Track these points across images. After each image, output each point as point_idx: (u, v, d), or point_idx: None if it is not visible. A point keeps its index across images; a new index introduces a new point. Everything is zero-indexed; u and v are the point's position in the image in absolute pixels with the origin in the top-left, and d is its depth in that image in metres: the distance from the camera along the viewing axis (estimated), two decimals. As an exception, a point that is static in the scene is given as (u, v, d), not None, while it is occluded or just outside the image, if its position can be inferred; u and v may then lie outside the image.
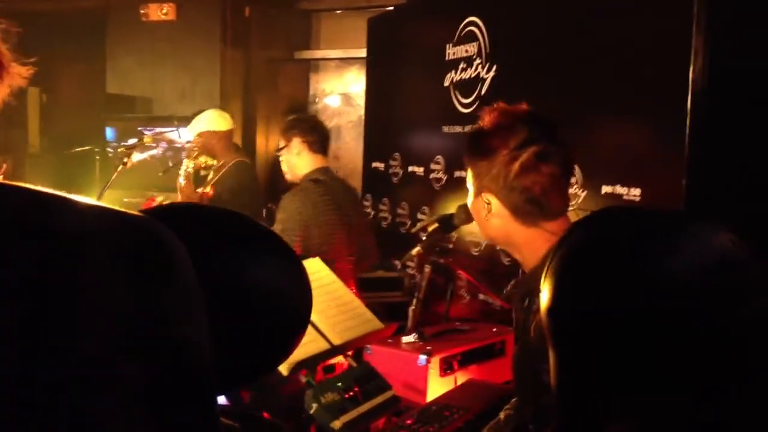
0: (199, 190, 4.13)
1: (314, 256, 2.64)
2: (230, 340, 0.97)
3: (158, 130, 5.04)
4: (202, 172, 4.44)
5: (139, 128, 4.78)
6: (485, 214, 1.74)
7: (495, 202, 1.71)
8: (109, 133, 6.12)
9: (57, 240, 0.70)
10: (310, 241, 3.42)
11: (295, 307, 1.04)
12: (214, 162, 4.29)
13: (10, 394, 0.66)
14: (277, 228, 3.37)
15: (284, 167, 3.70)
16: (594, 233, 0.95)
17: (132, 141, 4.93)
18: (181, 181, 4.05)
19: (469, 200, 1.81)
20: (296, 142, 3.63)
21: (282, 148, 3.67)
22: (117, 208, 0.77)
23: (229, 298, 0.96)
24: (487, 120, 1.74)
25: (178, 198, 4.03)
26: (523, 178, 1.66)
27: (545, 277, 0.95)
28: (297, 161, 3.65)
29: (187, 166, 4.11)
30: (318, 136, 3.67)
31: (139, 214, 0.79)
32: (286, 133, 3.66)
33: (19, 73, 0.81)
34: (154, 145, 4.76)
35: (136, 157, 4.28)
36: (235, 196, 4.14)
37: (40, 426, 0.66)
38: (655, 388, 0.86)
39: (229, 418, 1.05)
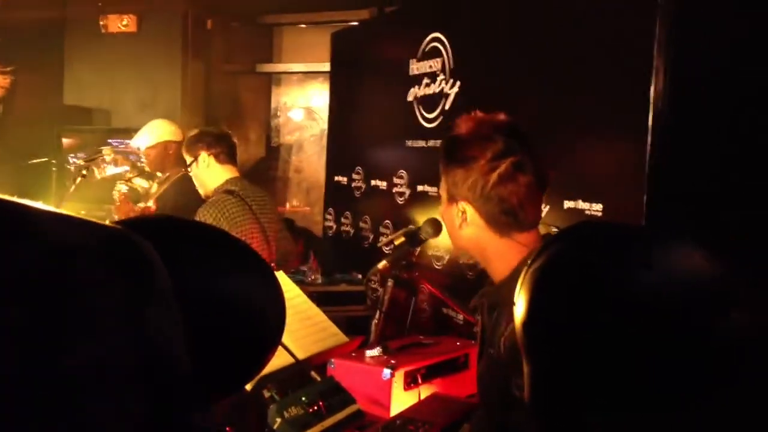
0: (141, 204, 4.05)
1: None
2: (203, 355, 0.95)
3: (127, 142, 4.96)
4: (141, 188, 4.35)
5: (110, 141, 4.72)
6: (459, 223, 1.73)
7: (470, 211, 1.71)
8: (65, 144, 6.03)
9: (37, 251, 0.69)
10: None
11: (268, 320, 1.02)
12: (148, 184, 4.23)
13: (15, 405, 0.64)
14: None
15: (195, 181, 3.65)
16: (570, 247, 0.95)
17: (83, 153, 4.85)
18: (116, 200, 3.98)
19: (442, 208, 1.80)
20: (203, 156, 3.57)
21: (189, 164, 3.60)
22: (93, 219, 0.76)
23: (201, 311, 0.95)
24: (463, 128, 1.73)
25: (115, 217, 3.93)
26: (501, 188, 1.66)
27: (520, 291, 0.95)
28: (206, 175, 3.60)
29: (119, 189, 4.04)
30: (224, 146, 3.62)
31: (116, 225, 0.78)
32: (191, 148, 3.60)
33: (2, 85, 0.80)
34: (112, 157, 4.69)
35: (111, 170, 4.22)
36: (178, 211, 4.04)
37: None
38: (632, 402, 0.86)
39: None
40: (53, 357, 0.66)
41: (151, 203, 4.02)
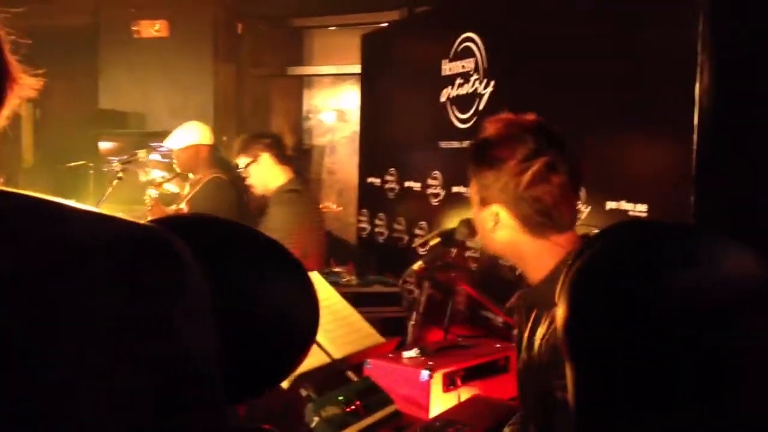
0: (173, 207, 4.12)
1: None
2: (238, 354, 0.95)
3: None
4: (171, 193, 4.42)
5: (152, 144, 4.80)
6: (492, 226, 1.71)
7: (503, 213, 1.68)
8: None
9: (62, 249, 0.69)
10: (301, 250, 3.48)
11: (303, 321, 1.03)
12: (178, 188, 4.31)
13: (9, 408, 0.64)
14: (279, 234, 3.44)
15: (253, 180, 3.80)
16: (611, 248, 0.93)
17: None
18: (147, 205, 4.05)
19: (473, 212, 1.78)
20: (264, 157, 3.74)
21: (249, 164, 3.73)
22: (124, 216, 0.75)
23: (238, 311, 0.96)
24: (492, 130, 1.71)
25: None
26: (534, 189, 1.64)
27: (561, 293, 0.93)
28: (268, 175, 3.77)
29: (150, 194, 4.10)
30: (281, 148, 3.84)
31: (149, 223, 0.77)
32: (249, 148, 3.77)
33: (30, 84, 0.80)
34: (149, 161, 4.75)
35: (155, 173, 4.29)
36: (210, 213, 4.12)
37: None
38: (678, 404, 0.84)
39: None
40: (55, 366, 0.66)
41: (183, 205, 4.06)
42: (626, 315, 0.85)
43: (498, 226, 1.70)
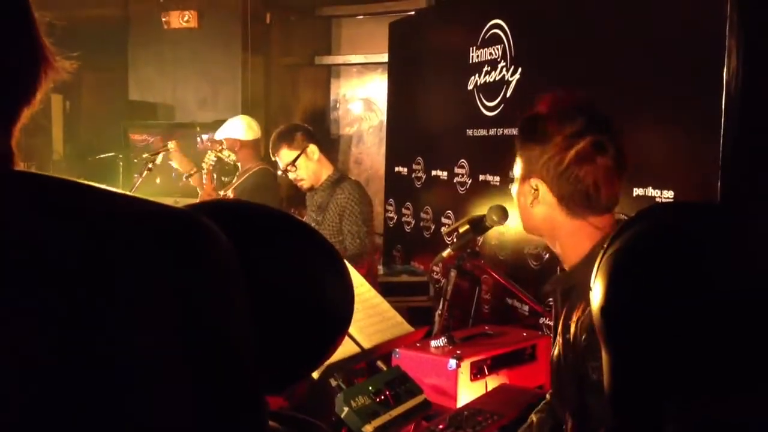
0: (221, 192, 4.17)
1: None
2: (274, 342, 0.95)
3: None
4: (224, 179, 4.48)
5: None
6: (530, 201, 1.69)
7: (543, 189, 1.66)
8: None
9: (98, 230, 0.70)
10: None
11: (339, 309, 1.02)
12: (235, 162, 4.36)
13: (52, 381, 0.66)
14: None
15: (302, 174, 3.73)
16: (647, 230, 0.92)
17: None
18: (204, 178, 4.13)
19: (514, 187, 1.76)
20: (312, 148, 3.71)
21: (297, 158, 3.69)
22: (158, 201, 0.76)
23: (274, 298, 0.95)
24: (542, 105, 1.69)
25: (200, 197, 4.09)
26: (577, 168, 1.61)
27: (597, 276, 0.93)
28: (317, 166, 3.73)
29: (208, 157, 4.17)
30: (319, 140, 3.83)
31: (182, 208, 0.78)
32: (295, 141, 3.71)
33: (64, 67, 0.81)
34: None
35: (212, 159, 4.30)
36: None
37: (83, 414, 0.66)
38: (714, 387, 0.83)
39: (271, 419, 1.04)
40: (91, 339, 0.67)
41: (230, 193, 4.12)
42: (663, 297, 0.84)
43: (536, 202, 1.68)
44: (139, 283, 0.70)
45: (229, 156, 4.26)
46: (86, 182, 0.74)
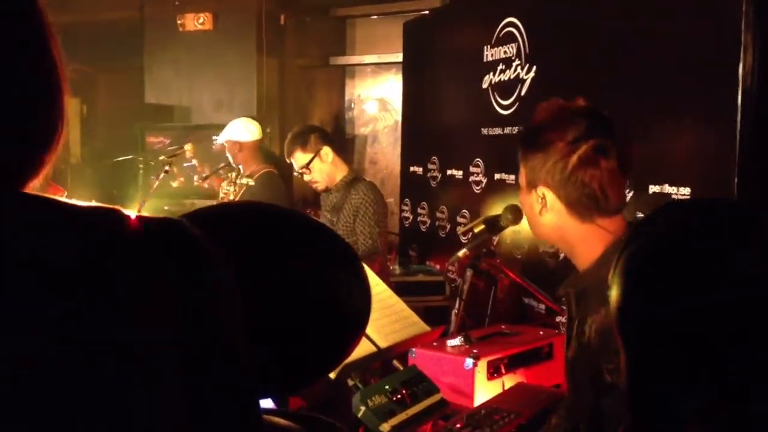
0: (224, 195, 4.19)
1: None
2: (290, 342, 0.96)
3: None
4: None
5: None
6: (539, 209, 1.70)
7: (550, 196, 1.67)
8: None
9: (98, 234, 0.73)
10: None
11: (356, 308, 1.02)
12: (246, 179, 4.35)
13: (52, 382, 0.67)
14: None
15: (316, 177, 3.72)
16: (662, 231, 0.92)
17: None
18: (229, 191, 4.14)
19: (521, 196, 1.77)
20: (326, 150, 3.69)
21: (311, 161, 3.68)
22: (146, 214, 0.78)
23: (291, 298, 0.95)
24: (542, 114, 1.70)
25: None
26: (582, 172, 1.62)
27: (613, 277, 0.93)
28: (332, 167, 3.72)
29: (224, 187, 4.22)
30: (333, 141, 3.81)
31: (171, 217, 0.79)
32: (309, 144, 3.69)
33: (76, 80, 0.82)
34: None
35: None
36: None
37: (83, 414, 0.68)
38: (732, 389, 0.83)
39: (289, 419, 1.04)
40: (91, 339, 0.68)
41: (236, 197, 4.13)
42: (680, 298, 0.84)
43: (545, 210, 1.69)
44: (139, 284, 0.71)
45: (246, 180, 4.24)
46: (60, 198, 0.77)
